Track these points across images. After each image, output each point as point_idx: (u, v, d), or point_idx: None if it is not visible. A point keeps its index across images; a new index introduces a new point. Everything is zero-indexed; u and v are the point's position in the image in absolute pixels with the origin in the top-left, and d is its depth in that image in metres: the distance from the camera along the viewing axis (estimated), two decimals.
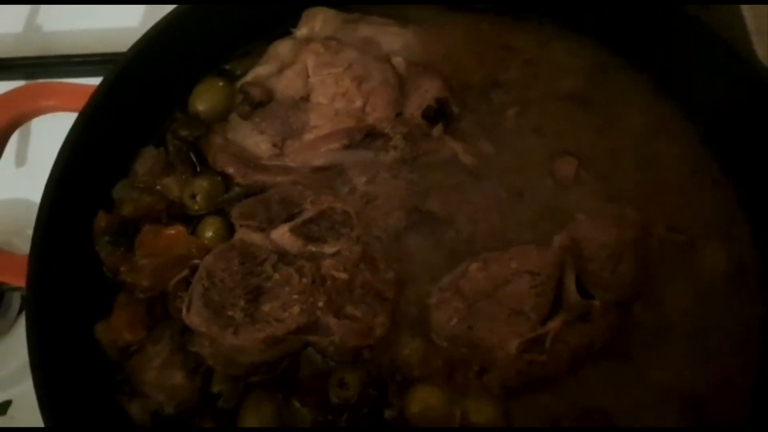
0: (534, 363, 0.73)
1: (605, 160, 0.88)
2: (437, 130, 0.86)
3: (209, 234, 0.81)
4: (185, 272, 0.78)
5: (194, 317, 0.71)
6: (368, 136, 0.85)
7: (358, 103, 0.85)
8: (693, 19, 0.86)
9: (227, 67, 0.93)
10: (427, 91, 0.87)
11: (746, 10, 1.17)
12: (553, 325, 0.74)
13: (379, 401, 0.74)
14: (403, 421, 0.73)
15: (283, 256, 0.76)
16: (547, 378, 0.75)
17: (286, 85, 0.87)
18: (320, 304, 0.73)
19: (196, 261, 0.78)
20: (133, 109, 0.86)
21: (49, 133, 0.82)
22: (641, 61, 0.93)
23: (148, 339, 0.76)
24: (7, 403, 0.95)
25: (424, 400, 0.73)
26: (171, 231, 0.80)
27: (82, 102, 0.81)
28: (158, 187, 0.85)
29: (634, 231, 0.80)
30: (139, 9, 1.17)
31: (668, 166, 0.88)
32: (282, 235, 0.77)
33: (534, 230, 0.82)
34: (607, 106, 0.92)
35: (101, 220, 0.81)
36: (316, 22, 0.92)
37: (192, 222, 0.83)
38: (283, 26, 0.94)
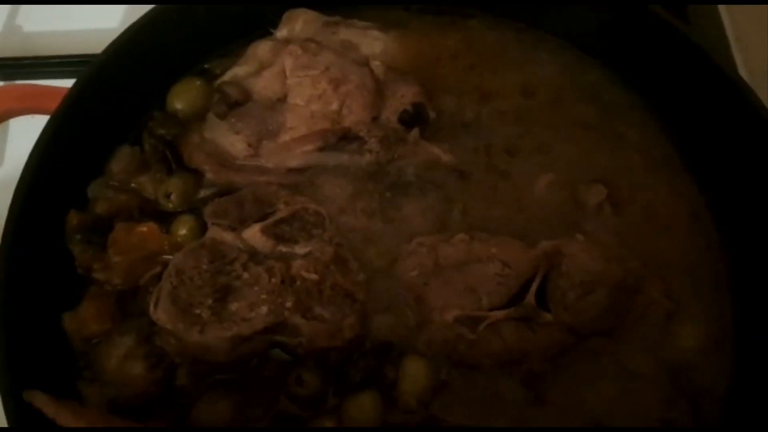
0: (461, 338, 0.74)
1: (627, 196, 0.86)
2: (413, 134, 0.86)
3: (183, 232, 0.81)
4: (157, 269, 0.78)
5: (161, 314, 0.71)
6: (343, 139, 0.85)
7: (335, 106, 0.84)
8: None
9: (206, 66, 0.94)
10: (404, 96, 0.87)
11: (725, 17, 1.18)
12: (496, 314, 0.74)
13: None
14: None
15: (254, 256, 0.75)
16: (472, 362, 0.76)
17: (264, 86, 0.87)
18: (288, 304, 0.72)
19: (169, 257, 0.78)
20: (110, 108, 0.86)
21: (27, 135, 0.80)
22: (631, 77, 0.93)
23: (116, 330, 0.75)
24: None
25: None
26: (143, 228, 0.80)
27: (56, 104, 0.80)
28: (133, 186, 0.85)
29: (623, 274, 0.77)
30: (119, 10, 1.16)
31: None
32: (253, 234, 0.77)
33: (529, 229, 0.83)
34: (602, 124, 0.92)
35: (73, 218, 0.81)
36: (297, 23, 0.92)
37: (166, 220, 0.82)
38: (264, 27, 0.94)
